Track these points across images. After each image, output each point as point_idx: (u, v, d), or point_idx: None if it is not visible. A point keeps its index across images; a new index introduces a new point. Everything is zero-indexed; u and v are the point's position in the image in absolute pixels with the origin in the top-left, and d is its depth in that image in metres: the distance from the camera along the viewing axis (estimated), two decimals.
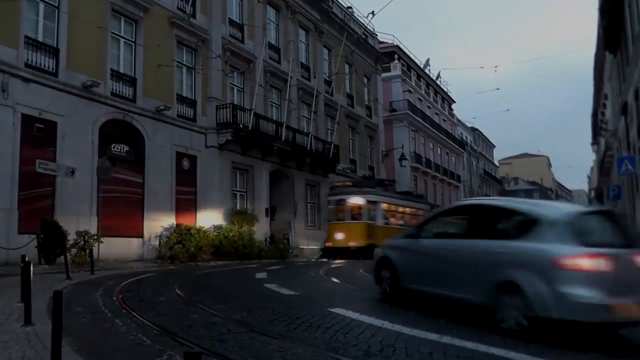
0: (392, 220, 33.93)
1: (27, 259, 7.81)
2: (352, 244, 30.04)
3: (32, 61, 18.98)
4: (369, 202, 31.63)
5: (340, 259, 28.43)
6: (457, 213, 9.80)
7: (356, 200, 31.44)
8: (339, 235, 30.71)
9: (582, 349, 6.28)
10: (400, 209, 35.76)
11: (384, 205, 33.33)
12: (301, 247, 32.31)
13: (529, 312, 6.56)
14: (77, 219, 18.96)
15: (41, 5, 19.62)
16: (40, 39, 19.48)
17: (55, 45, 19.85)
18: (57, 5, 19.98)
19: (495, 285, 7.10)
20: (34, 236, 16.64)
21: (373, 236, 29.49)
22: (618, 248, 6.89)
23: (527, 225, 7.27)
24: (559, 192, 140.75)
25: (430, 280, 8.57)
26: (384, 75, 51.62)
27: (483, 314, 7.36)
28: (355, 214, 31.49)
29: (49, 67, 19.57)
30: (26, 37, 18.83)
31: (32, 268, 7.48)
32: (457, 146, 70.10)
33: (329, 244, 31.32)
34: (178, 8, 25.54)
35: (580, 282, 6.39)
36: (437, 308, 8.50)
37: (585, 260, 6.47)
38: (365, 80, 46.94)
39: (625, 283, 6.62)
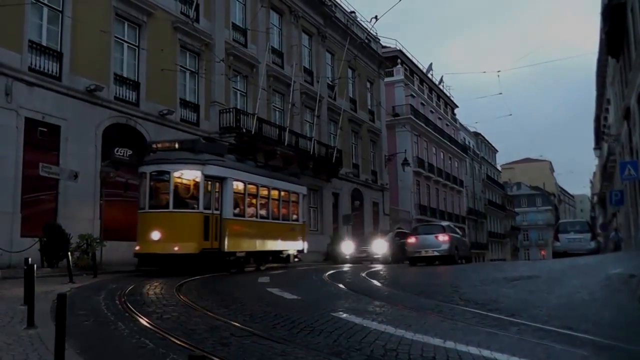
0: (250, 210, 20.53)
1: (30, 262, 7.82)
2: (177, 248, 16.81)
3: (36, 65, 19.05)
4: (210, 177, 17.92)
5: (160, 274, 15.85)
6: None
7: (188, 173, 18.05)
8: (155, 235, 16.93)
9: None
10: (265, 192, 21.56)
11: (237, 185, 19.35)
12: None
13: None
14: (80, 222, 18.97)
15: (45, 10, 19.72)
16: (44, 43, 19.55)
17: (59, 50, 19.91)
18: (61, 9, 20.07)
19: None
20: (37, 239, 16.66)
21: (217, 236, 18.04)
22: None
23: None
24: (562, 197, 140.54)
25: None
26: (386, 79, 51.70)
27: (488, 320, 7.32)
28: (185, 198, 18.01)
29: (52, 71, 19.62)
30: (30, 41, 18.90)
31: (35, 271, 7.48)
32: (459, 151, 70.12)
33: (138, 249, 17.31)
34: (182, 13, 25.61)
35: None
36: (441, 313, 8.48)
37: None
38: (368, 84, 47.00)
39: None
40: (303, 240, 24.73)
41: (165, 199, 17.49)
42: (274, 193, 22.41)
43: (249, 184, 20.16)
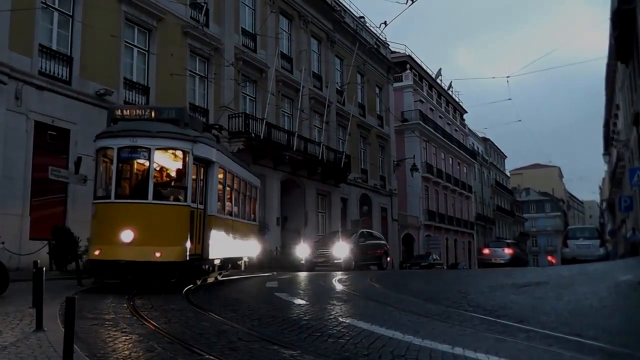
0: (228, 206, 16.40)
1: (38, 265, 7.85)
2: (159, 255, 12.21)
3: (46, 69, 19.16)
4: (197, 160, 13.52)
5: (130, 290, 11.82)
6: None
7: (172, 152, 13.78)
8: (126, 235, 12.25)
9: None
10: (237, 184, 17.43)
11: (220, 173, 15.15)
12: None
13: None
14: (88, 225, 18.98)
15: (56, 14, 19.82)
16: (54, 47, 19.66)
17: (69, 54, 20.02)
18: (71, 14, 20.16)
19: None
20: (46, 242, 16.72)
21: (200, 239, 13.71)
22: None
23: None
24: (571, 203, 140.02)
25: None
26: (395, 85, 51.72)
27: (497, 326, 7.29)
28: (169, 186, 13.96)
29: (62, 76, 19.72)
30: (40, 45, 19.01)
31: (44, 274, 7.51)
32: (468, 156, 70.00)
33: (98, 254, 12.39)
34: (191, 17, 25.70)
35: None
36: (449, 319, 8.45)
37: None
38: (377, 90, 47.02)
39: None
40: (258, 244, 20.88)
41: (142, 186, 12.86)
42: (243, 185, 18.16)
43: (228, 172, 15.95)
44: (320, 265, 26.09)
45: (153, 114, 13.62)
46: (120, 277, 12.70)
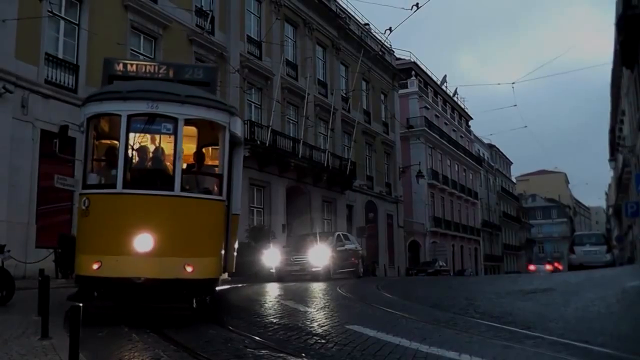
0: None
1: (44, 273, 7.84)
2: (191, 270, 8.24)
3: (52, 78, 19.26)
4: (232, 139, 9.55)
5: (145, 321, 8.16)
6: None
7: (206, 125, 9.70)
8: (143, 241, 8.11)
9: None
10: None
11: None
12: None
13: None
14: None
15: (62, 23, 19.90)
16: (60, 55, 19.74)
17: (75, 62, 20.11)
18: (77, 22, 20.23)
19: None
20: (52, 250, 16.74)
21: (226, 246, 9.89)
22: None
23: None
24: (577, 209, 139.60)
25: None
26: (401, 91, 51.77)
27: (504, 333, 7.25)
28: (200, 172, 9.84)
29: (68, 84, 19.79)
30: (47, 54, 19.11)
31: (49, 282, 7.51)
32: (474, 163, 69.92)
33: (95, 267, 8.04)
34: (197, 25, 25.77)
35: None
36: (456, 326, 8.41)
37: None
38: (382, 96, 47.05)
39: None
40: None
41: (163, 171, 9.23)
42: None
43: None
44: (295, 274, 22.40)
45: (171, 73, 9.99)
46: (133, 301, 8.37)
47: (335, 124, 37.05)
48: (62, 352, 5.62)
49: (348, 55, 40.67)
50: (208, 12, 26.26)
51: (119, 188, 8.39)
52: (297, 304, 11.40)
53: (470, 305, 10.93)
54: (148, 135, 9.43)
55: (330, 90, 37.34)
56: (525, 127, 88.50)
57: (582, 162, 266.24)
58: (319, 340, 7.00)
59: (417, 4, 20.45)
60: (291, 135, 32.00)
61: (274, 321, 8.93)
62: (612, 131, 52.59)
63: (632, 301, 10.75)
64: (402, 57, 55.63)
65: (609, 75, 44.40)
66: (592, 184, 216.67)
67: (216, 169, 9.65)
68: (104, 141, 9.67)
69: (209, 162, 10.30)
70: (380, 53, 45.46)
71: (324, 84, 37.44)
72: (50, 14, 19.30)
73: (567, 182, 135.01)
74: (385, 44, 46.80)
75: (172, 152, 8.81)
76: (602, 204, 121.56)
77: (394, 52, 50.43)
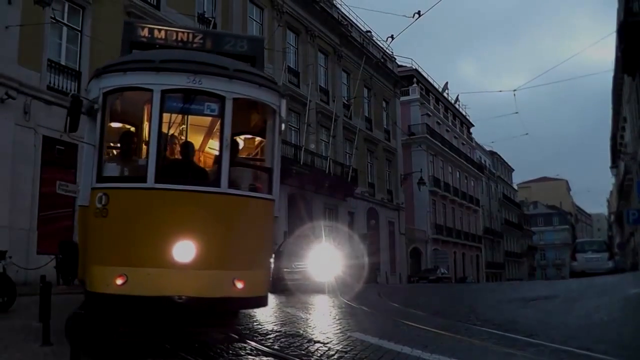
0: None
1: (46, 280, 7.84)
2: (242, 286, 6.54)
3: (54, 84, 19.26)
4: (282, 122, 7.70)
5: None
6: None
7: (256, 108, 7.79)
8: (184, 250, 6.29)
9: None
10: None
11: None
12: None
13: None
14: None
15: (65, 29, 19.94)
16: (63, 62, 19.78)
17: (77, 68, 20.12)
18: (80, 29, 20.27)
19: None
20: (53, 257, 16.72)
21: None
22: None
23: None
24: (579, 216, 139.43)
25: None
26: (402, 98, 51.79)
27: (506, 340, 7.23)
28: (244, 164, 7.97)
29: (71, 90, 19.77)
30: (49, 60, 19.14)
31: (51, 288, 7.49)
32: (475, 170, 69.91)
33: (120, 283, 6.18)
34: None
35: None
36: (458, 333, 8.39)
37: None
38: (384, 103, 47.07)
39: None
40: None
41: (207, 162, 8.38)
42: None
43: None
44: (293, 283, 18.46)
45: (209, 43, 8.39)
46: (170, 325, 6.97)
47: (337, 131, 37.05)
48: (63, 358, 5.61)
49: (350, 62, 40.72)
50: (210, 18, 26.26)
51: (150, 182, 6.53)
52: (298, 311, 11.38)
53: (472, 313, 10.91)
54: (187, 117, 7.70)
55: (332, 97, 37.36)
56: (527, 134, 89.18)
57: (584, 169, 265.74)
58: (321, 347, 6.98)
59: (419, 12, 20.55)
60: (293, 142, 32.00)
61: (275, 328, 8.91)
62: (613, 138, 52.64)
63: (635, 308, 10.71)
64: (404, 64, 55.69)
65: (610, 83, 44.45)
66: (594, 191, 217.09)
67: (259, 162, 8.12)
68: (126, 123, 8.16)
69: (252, 152, 8.63)
70: (382, 60, 45.53)
71: (326, 91, 37.46)
72: (53, 21, 19.35)
73: (569, 189, 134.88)
74: (387, 51, 46.89)
75: (217, 139, 7.21)
76: (604, 211, 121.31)
77: (395, 59, 50.49)
